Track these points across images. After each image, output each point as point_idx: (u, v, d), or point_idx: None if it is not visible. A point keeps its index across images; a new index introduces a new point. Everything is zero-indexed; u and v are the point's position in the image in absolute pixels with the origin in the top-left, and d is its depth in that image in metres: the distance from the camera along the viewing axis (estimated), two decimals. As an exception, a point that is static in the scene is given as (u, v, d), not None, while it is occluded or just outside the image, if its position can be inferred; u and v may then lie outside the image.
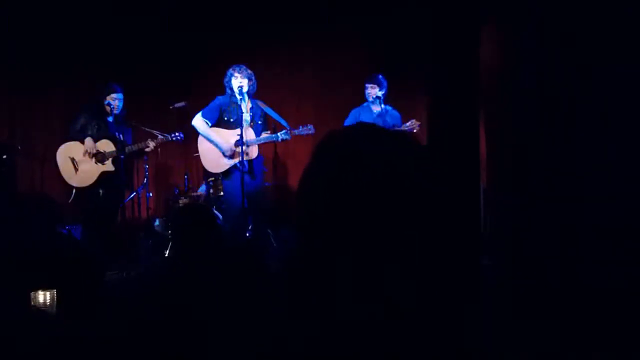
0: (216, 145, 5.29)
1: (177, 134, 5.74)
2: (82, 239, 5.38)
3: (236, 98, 5.28)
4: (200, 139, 5.43)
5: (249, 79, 5.30)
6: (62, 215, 5.29)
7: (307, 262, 0.97)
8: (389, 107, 5.71)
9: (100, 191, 5.50)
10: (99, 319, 2.65)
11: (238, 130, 5.03)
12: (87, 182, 5.52)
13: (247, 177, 5.18)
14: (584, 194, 2.81)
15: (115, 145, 5.52)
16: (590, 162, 2.81)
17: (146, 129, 5.77)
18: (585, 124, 2.84)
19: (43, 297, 2.63)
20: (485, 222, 4.09)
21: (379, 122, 5.53)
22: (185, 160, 7.14)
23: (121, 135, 5.54)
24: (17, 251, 2.94)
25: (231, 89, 5.32)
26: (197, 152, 5.51)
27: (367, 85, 5.69)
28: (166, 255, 5.40)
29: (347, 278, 0.93)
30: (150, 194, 6.26)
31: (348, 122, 5.72)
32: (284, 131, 5.29)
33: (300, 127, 5.30)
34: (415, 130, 5.48)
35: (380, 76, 5.69)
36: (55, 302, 2.64)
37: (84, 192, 5.57)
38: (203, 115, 5.33)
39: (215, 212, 5.27)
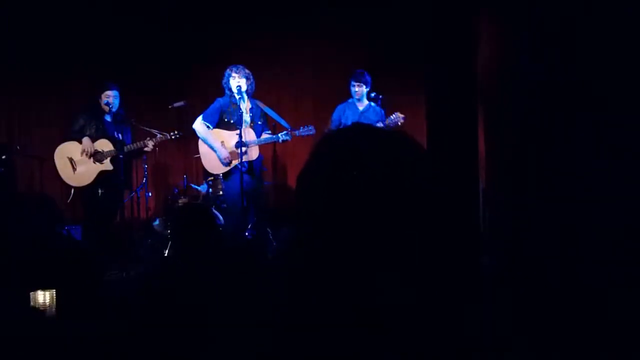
0: (214, 152, 5.30)
1: (175, 132, 5.74)
2: (81, 238, 5.38)
3: (235, 99, 5.28)
4: (200, 140, 5.44)
5: (247, 79, 5.30)
6: (62, 216, 5.29)
7: (307, 261, 0.97)
8: (372, 104, 5.75)
9: (99, 191, 5.50)
10: (99, 319, 2.65)
11: (238, 131, 5.03)
12: (86, 182, 5.52)
13: (247, 177, 5.18)
14: (584, 194, 2.81)
15: (114, 145, 5.52)
16: (590, 162, 2.80)
17: (145, 128, 5.77)
18: (586, 124, 2.84)
19: (42, 297, 2.63)
20: (484, 222, 4.08)
21: (363, 119, 5.57)
22: (184, 160, 7.14)
23: (120, 135, 5.54)
24: (17, 251, 2.94)
25: (230, 89, 5.31)
26: (198, 152, 5.51)
27: (353, 83, 5.70)
28: (165, 254, 5.39)
29: (347, 278, 0.93)
30: (150, 194, 6.25)
31: (334, 117, 5.75)
32: (284, 132, 5.29)
33: (301, 127, 5.31)
34: (400, 123, 5.49)
35: (366, 74, 5.71)
36: (54, 302, 2.63)
37: (82, 192, 5.57)
38: (204, 119, 5.34)
39: (215, 211, 5.26)
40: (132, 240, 5.77)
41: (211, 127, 5.33)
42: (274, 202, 6.03)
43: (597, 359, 2.27)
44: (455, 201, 1.00)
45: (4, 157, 5.72)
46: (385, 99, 5.65)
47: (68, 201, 5.56)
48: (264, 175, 5.73)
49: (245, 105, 5.31)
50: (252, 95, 5.43)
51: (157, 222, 6.02)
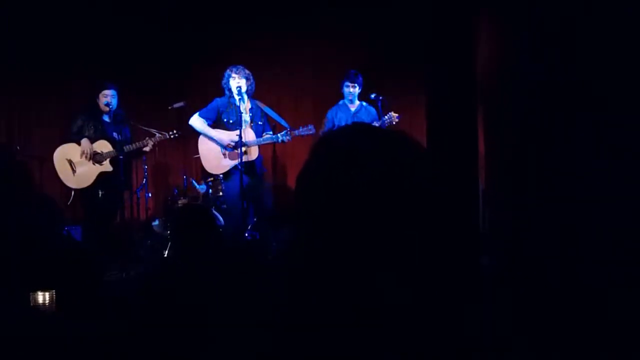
0: (215, 142, 5.29)
1: (174, 131, 5.73)
2: (81, 239, 5.38)
3: (235, 99, 5.28)
4: (200, 140, 5.44)
5: (247, 79, 5.31)
6: (63, 215, 5.29)
7: (306, 261, 0.97)
8: (364, 104, 5.75)
9: (100, 192, 5.48)
10: (99, 319, 2.65)
11: (238, 131, 5.03)
12: (86, 184, 5.50)
13: (246, 178, 5.18)
14: (584, 194, 2.81)
15: (113, 146, 5.51)
16: (590, 162, 2.80)
17: (143, 128, 5.76)
18: (586, 123, 2.84)
19: (42, 297, 2.63)
20: (484, 222, 4.09)
21: (356, 120, 5.57)
22: (184, 161, 7.14)
23: (119, 135, 5.52)
24: (17, 252, 2.94)
25: (230, 90, 5.32)
26: (197, 152, 5.51)
27: (347, 83, 5.70)
28: (165, 255, 5.40)
29: (346, 278, 0.93)
30: (150, 194, 6.25)
31: (327, 120, 5.75)
32: (284, 132, 5.29)
33: (301, 127, 5.31)
34: (394, 123, 5.49)
35: (360, 75, 5.72)
36: (54, 303, 2.63)
37: (82, 193, 5.55)
38: (200, 115, 5.35)
39: (215, 212, 5.26)
40: (131, 241, 5.76)
41: (207, 123, 5.33)
42: (273, 202, 6.02)
43: (597, 359, 2.26)
44: (455, 201, 1.00)
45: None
46: (385, 100, 5.65)
47: (68, 203, 5.54)
48: (264, 176, 5.73)
49: (245, 106, 5.31)
50: (252, 95, 5.43)
51: (156, 223, 6.02)
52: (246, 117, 5.31)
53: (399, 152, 0.96)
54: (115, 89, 5.60)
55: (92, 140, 5.52)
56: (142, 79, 6.79)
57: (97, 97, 5.57)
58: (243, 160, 5.04)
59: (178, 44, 6.89)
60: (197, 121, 5.34)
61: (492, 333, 0.99)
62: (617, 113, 2.70)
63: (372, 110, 5.74)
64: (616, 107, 2.71)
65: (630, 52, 2.66)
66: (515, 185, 3.43)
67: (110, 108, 5.52)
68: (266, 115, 5.45)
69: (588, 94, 2.82)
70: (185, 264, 2.73)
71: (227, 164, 5.32)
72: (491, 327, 1.00)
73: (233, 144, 5.19)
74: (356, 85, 5.69)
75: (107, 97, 5.53)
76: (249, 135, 5.23)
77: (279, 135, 5.29)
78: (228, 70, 5.34)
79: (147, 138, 5.63)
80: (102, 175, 5.51)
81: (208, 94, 5.90)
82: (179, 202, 5.93)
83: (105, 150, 5.52)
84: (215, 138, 5.29)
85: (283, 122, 5.35)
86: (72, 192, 5.53)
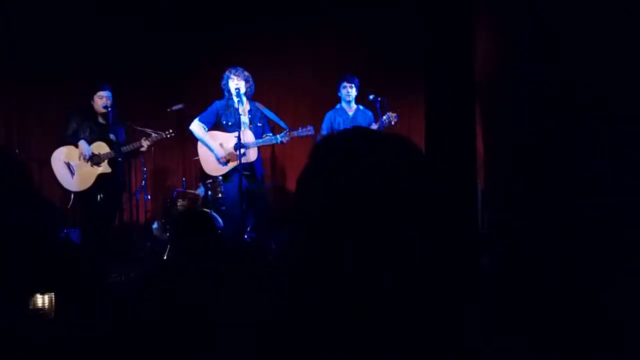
0: (212, 151, 5.29)
1: (170, 131, 5.71)
2: (80, 242, 5.36)
3: (233, 101, 5.28)
4: (199, 142, 5.43)
5: (246, 81, 5.30)
6: (63, 217, 5.29)
7: (306, 262, 0.97)
8: (360, 107, 5.75)
9: (99, 195, 5.45)
10: (99, 320, 2.65)
11: (236, 133, 5.03)
12: (85, 186, 5.47)
13: (246, 180, 5.17)
14: (584, 194, 2.80)
15: (111, 147, 5.49)
16: (590, 162, 2.80)
17: (139, 128, 5.75)
18: (585, 124, 2.83)
19: (42, 300, 2.63)
20: (484, 222, 4.08)
21: (355, 123, 5.56)
22: (183, 163, 7.14)
23: (114, 136, 5.50)
24: (16, 253, 2.94)
25: (229, 91, 5.31)
26: (196, 154, 5.51)
27: (345, 85, 5.70)
28: (164, 258, 5.39)
29: (346, 278, 0.93)
30: (149, 197, 6.25)
31: (324, 125, 5.74)
32: (282, 133, 5.28)
33: (300, 128, 5.30)
34: (393, 123, 5.49)
35: (355, 77, 5.72)
36: (54, 305, 2.63)
37: (82, 196, 5.52)
38: (200, 120, 5.34)
39: (214, 214, 5.26)
40: (131, 243, 5.76)
41: (206, 128, 5.33)
42: (272, 204, 6.03)
43: (597, 359, 2.26)
44: (455, 201, 1.00)
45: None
46: (384, 100, 5.65)
47: (68, 207, 5.51)
48: (263, 178, 5.72)
49: (244, 108, 5.31)
50: (252, 97, 5.43)
51: (155, 226, 6.02)
52: (245, 119, 5.30)
53: (397, 155, 0.97)
54: (110, 90, 5.55)
55: (89, 142, 5.49)
56: (141, 80, 6.80)
57: (92, 98, 5.52)
58: (242, 162, 5.04)
59: (178, 44, 6.90)
60: (197, 128, 5.34)
61: (492, 333, 0.99)
62: (617, 113, 2.70)
63: (369, 113, 5.75)
64: (616, 107, 2.71)
65: (630, 52, 2.66)
66: (515, 185, 3.43)
67: (107, 109, 5.44)
68: (266, 117, 5.45)
69: (588, 94, 2.81)
70: (185, 265, 2.73)
71: (226, 166, 5.32)
72: (491, 327, 1.00)
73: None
74: (353, 85, 5.68)
75: (104, 99, 5.47)
76: (247, 137, 5.23)
77: (277, 136, 5.29)
78: (227, 72, 5.34)
79: (143, 138, 5.61)
80: (101, 177, 5.49)
81: (208, 94, 5.90)
82: (178, 204, 5.92)
83: (102, 152, 5.50)
84: (212, 149, 5.29)
85: (282, 123, 5.35)
86: (72, 195, 5.50)
